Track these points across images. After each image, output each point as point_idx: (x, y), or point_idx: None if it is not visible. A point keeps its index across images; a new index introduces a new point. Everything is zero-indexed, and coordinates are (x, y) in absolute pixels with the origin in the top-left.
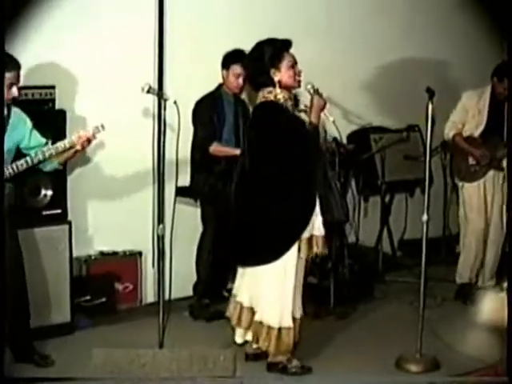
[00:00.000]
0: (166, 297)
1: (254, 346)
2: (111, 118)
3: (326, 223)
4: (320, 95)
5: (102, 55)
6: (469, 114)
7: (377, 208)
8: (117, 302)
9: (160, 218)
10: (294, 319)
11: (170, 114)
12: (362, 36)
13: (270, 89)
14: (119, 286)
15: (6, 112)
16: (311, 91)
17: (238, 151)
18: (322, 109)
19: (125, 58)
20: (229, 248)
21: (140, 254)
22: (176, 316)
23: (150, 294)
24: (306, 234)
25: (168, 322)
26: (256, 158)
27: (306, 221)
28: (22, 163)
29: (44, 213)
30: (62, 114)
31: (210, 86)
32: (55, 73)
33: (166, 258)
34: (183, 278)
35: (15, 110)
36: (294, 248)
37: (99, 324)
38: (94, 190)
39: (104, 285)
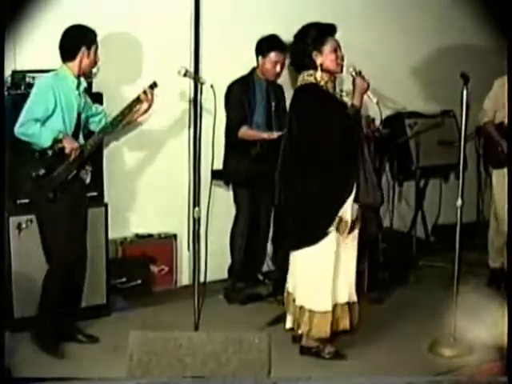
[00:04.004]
0: (201, 279)
1: (299, 331)
2: None
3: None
4: (362, 77)
5: (138, 39)
6: (499, 102)
7: (411, 193)
8: (152, 284)
9: (196, 201)
10: (336, 305)
11: (206, 98)
12: (398, 21)
13: (311, 71)
14: (154, 269)
15: None
16: (353, 73)
17: (265, 135)
18: (365, 91)
19: (161, 42)
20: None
21: (175, 236)
22: (211, 299)
23: (185, 277)
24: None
25: (203, 305)
26: (296, 140)
27: (339, 205)
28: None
29: None
30: (99, 97)
31: (246, 70)
32: None
33: (202, 240)
34: (218, 260)
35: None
36: (332, 232)
37: (135, 306)
38: (130, 172)
39: (139, 267)
